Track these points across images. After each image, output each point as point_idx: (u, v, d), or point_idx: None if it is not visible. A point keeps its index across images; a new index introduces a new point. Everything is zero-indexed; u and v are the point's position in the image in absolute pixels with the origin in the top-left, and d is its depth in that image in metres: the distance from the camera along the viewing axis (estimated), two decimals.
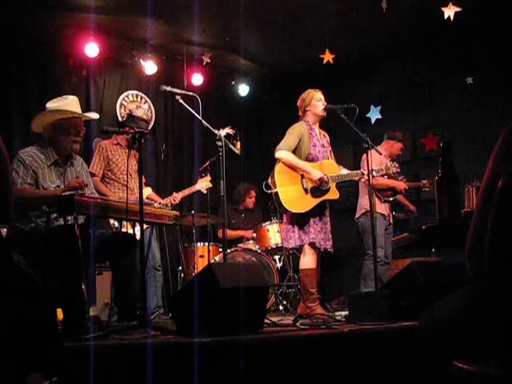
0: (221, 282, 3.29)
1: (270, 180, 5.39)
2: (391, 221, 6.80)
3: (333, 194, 5.43)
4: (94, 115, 4.98)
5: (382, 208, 6.65)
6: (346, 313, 4.70)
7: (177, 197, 6.36)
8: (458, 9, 6.30)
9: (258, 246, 7.34)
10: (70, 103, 4.51)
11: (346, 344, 3.44)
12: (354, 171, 5.80)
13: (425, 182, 7.11)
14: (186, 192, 6.59)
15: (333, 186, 5.42)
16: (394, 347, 3.48)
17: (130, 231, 5.40)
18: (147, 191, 6.08)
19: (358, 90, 8.55)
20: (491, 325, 1.60)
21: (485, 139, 6.65)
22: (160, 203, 6.08)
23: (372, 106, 8.60)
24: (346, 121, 5.46)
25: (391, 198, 6.73)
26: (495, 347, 1.59)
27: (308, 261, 5.35)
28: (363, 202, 6.70)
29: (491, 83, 7.36)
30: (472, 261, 1.68)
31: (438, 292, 2.13)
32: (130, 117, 6.66)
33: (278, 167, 5.38)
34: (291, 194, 5.32)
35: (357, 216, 6.78)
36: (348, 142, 8.41)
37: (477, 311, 1.69)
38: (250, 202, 8.11)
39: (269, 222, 7.47)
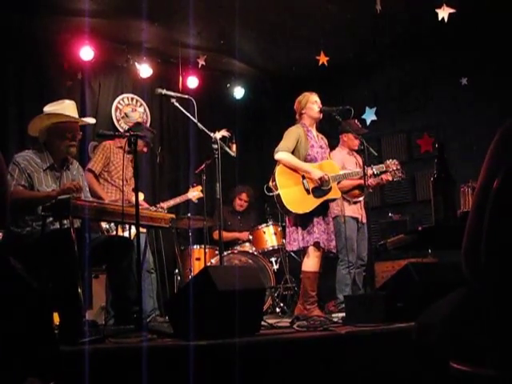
0: (217, 285, 3.28)
1: (271, 183, 5.41)
2: (364, 221, 6.61)
3: (334, 194, 5.47)
4: (91, 120, 4.99)
5: (351, 210, 6.57)
6: (343, 314, 4.70)
7: (162, 207, 6.37)
8: (451, 10, 6.30)
9: (254, 248, 7.33)
10: (66, 107, 4.51)
11: (343, 346, 3.43)
12: (355, 170, 5.81)
13: (388, 162, 6.26)
14: (178, 200, 6.64)
15: (334, 185, 5.45)
16: (391, 348, 3.48)
17: (124, 234, 5.39)
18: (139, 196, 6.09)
19: (353, 92, 8.56)
20: (488, 325, 1.60)
21: (480, 139, 6.66)
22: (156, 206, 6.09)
23: (367, 108, 8.61)
24: (342, 123, 5.48)
25: (361, 198, 6.52)
26: (492, 348, 1.59)
27: (311, 263, 5.35)
28: (332, 207, 6.65)
29: (486, 83, 7.37)
30: (468, 261, 1.68)
31: (434, 293, 2.13)
32: (137, 124, 6.70)
33: (279, 169, 5.39)
34: (293, 195, 5.33)
35: None
36: None
37: (474, 312, 1.69)
38: (239, 203, 8.05)
39: (265, 224, 7.47)
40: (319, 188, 5.37)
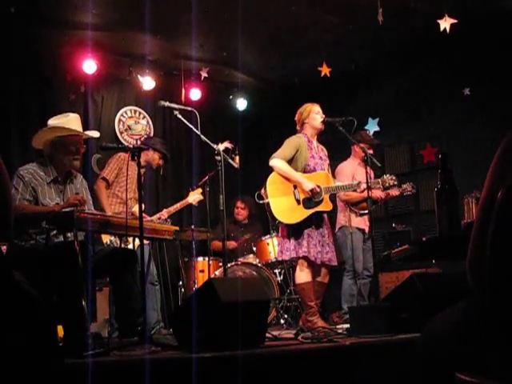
0: (221, 297, 3.28)
1: (262, 191, 5.37)
2: (369, 231, 6.52)
3: (326, 206, 5.38)
4: (95, 133, 5.00)
5: (357, 222, 6.58)
6: (347, 325, 4.69)
7: (163, 214, 6.36)
8: (453, 21, 6.31)
9: (258, 260, 7.33)
10: (71, 121, 4.52)
11: (347, 357, 3.42)
12: (350, 182, 5.78)
13: (405, 186, 6.54)
14: (178, 205, 6.61)
15: (326, 197, 5.37)
16: (395, 359, 3.46)
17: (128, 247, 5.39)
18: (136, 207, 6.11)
19: (356, 103, 8.56)
20: (493, 336, 1.60)
21: (483, 149, 6.66)
22: (160, 218, 6.08)
23: (370, 119, 8.62)
24: (345, 133, 5.47)
25: (366, 211, 6.29)
26: (497, 359, 1.58)
27: (302, 275, 5.32)
28: (339, 218, 6.67)
29: (488, 94, 7.38)
30: (473, 272, 1.68)
31: (439, 304, 2.12)
32: (149, 138, 6.74)
33: (271, 177, 5.37)
34: (283, 205, 5.29)
35: (335, 231, 6.68)
36: (347, 155, 8.40)
37: (479, 322, 1.68)
38: (237, 212, 8.14)
39: (269, 236, 7.45)
40: (310, 199, 5.31)
